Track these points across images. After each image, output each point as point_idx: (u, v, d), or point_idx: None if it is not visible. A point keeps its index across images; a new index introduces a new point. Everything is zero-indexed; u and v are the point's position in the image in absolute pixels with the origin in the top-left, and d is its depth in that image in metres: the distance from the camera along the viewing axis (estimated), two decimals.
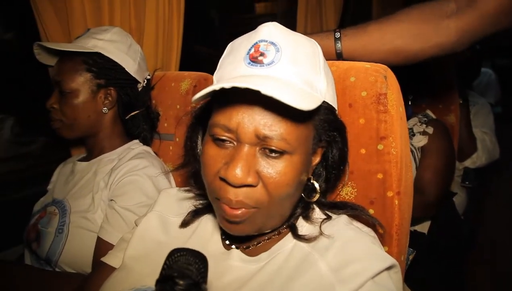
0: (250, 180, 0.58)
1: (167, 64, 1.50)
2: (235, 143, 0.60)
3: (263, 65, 0.59)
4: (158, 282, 0.41)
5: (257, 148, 0.59)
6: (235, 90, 0.53)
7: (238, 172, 0.57)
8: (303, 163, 0.62)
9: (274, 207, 0.61)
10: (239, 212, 0.60)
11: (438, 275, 1.49)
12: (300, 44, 0.64)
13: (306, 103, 0.54)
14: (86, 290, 0.78)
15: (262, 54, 0.60)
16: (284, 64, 0.60)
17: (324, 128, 0.66)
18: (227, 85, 0.52)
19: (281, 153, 0.59)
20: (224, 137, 0.60)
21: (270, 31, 0.62)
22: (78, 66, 1.07)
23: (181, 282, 0.40)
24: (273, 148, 0.58)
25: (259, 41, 0.61)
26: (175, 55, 1.51)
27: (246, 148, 0.59)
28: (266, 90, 0.50)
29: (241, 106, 0.58)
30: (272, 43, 0.61)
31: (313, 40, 0.67)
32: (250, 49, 0.61)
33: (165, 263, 0.43)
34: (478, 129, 1.98)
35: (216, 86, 0.54)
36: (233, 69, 0.62)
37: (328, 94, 0.65)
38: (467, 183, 1.94)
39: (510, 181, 1.91)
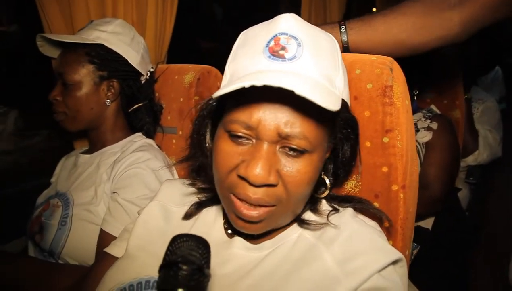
0: (271, 179, 0.56)
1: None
2: (253, 141, 0.58)
3: (285, 60, 0.57)
4: (162, 267, 0.41)
5: (277, 146, 0.57)
6: (254, 86, 0.50)
7: (259, 171, 0.55)
8: (321, 160, 0.61)
9: (291, 205, 0.60)
10: (256, 213, 0.58)
11: (442, 270, 1.48)
12: (321, 39, 0.61)
13: (333, 103, 0.52)
14: (88, 280, 0.78)
15: (283, 48, 0.57)
16: (307, 59, 0.57)
17: (340, 126, 0.65)
18: (259, 83, 0.49)
19: (301, 151, 0.57)
20: (241, 134, 0.58)
21: (289, 24, 0.59)
22: (81, 58, 1.07)
23: (185, 267, 0.40)
24: (294, 146, 0.56)
25: (279, 34, 0.58)
26: (166, 49, 1.49)
27: (265, 146, 0.56)
28: (300, 90, 0.48)
29: (262, 102, 0.56)
30: (293, 36, 0.58)
31: (331, 36, 0.65)
32: (269, 42, 0.58)
33: (168, 249, 0.43)
34: (482, 127, 1.96)
35: (245, 83, 0.49)
36: (251, 62, 0.59)
37: (345, 91, 0.64)
38: (471, 179, 1.93)
39: None
